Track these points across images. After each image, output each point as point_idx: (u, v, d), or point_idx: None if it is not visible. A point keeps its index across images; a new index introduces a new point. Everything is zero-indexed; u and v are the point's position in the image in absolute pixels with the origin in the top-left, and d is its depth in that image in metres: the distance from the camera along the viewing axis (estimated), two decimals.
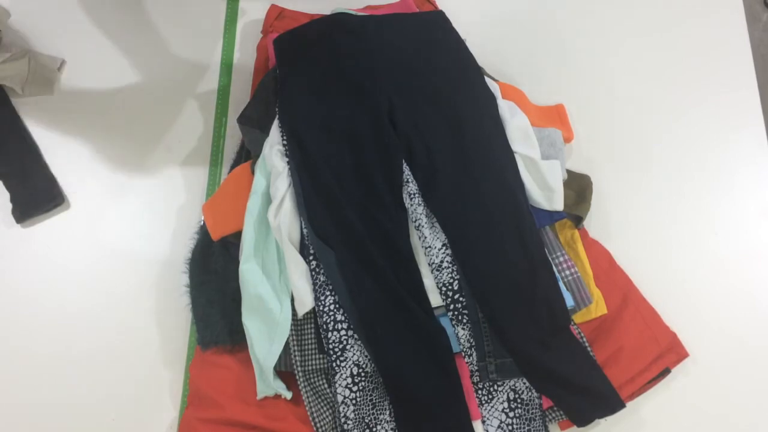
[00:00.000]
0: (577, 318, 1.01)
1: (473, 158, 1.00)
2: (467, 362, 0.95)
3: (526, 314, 0.95)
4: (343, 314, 0.95)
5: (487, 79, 1.12)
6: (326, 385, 0.96)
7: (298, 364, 0.95)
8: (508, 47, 1.28)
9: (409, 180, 1.01)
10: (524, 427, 0.94)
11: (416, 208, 1.01)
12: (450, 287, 0.96)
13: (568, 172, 1.12)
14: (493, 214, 0.98)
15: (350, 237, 0.97)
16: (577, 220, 1.08)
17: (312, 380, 0.96)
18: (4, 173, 1.18)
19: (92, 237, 1.15)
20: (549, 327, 0.95)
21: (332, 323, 0.95)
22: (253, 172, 1.06)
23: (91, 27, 1.31)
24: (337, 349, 0.94)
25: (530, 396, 0.95)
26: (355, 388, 0.93)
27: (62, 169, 1.19)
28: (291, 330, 0.96)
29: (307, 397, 0.94)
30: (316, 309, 0.96)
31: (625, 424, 0.99)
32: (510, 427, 0.94)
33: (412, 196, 1.01)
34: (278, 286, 0.98)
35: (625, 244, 1.10)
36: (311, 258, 0.98)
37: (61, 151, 1.20)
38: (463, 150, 1.01)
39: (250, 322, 0.97)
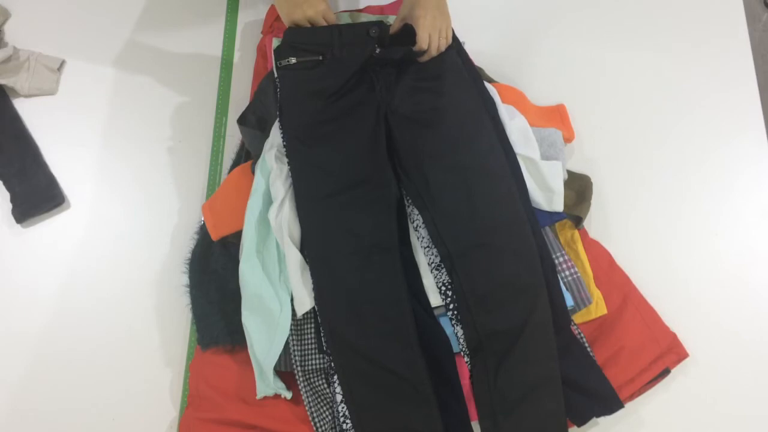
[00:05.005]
0: (577, 318, 1.01)
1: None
2: (467, 362, 0.95)
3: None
4: None
5: (486, 84, 1.12)
6: (326, 385, 0.96)
7: (298, 363, 0.96)
8: (508, 48, 1.28)
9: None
10: None
11: (415, 209, 1.01)
12: (449, 286, 0.96)
13: (569, 172, 1.12)
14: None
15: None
16: (577, 221, 1.08)
17: (311, 380, 0.96)
18: (4, 173, 1.18)
19: (92, 237, 1.15)
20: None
21: None
22: (253, 172, 1.06)
23: (91, 27, 1.31)
24: None
25: None
26: None
27: (62, 169, 1.19)
28: (291, 330, 0.96)
29: (307, 397, 0.95)
30: (316, 308, 0.96)
31: (624, 424, 0.99)
32: None
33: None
34: (278, 286, 0.98)
35: (625, 244, 1.10)
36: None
37: (61, 151, 1.21)
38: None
39: (249, 322, 0.97)
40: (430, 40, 1.01)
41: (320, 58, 1.03)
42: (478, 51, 1.22)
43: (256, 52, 1.26)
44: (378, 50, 1.03)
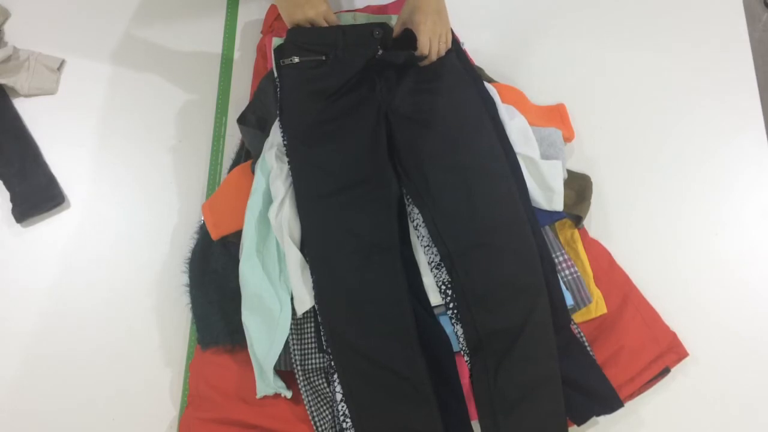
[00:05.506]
0: (577, 317, 1.01)
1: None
2: (467, 361, 0.95)
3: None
4: None
5: (486, 84, 1.12)
6: (325, 384, 0.96)
7: (298, 363, 0.95)
8: (508, 48, 1.28)
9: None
10: None
11: (415, 208, 1.01)
12: (449, 285, 0.96)
13: (568, 172, 1.12)
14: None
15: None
16: (577, 220, 1.08)
17: (311, 379, 0.96)
18: (4, 173, 1.18)
19: (92, 237, 1.15)
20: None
21: None
22: (253, 172, 1.06)
23: (91, 27, 1.31)
24: None
25: None
26: None
27: (62, 169, 1.19)
28: (291, 329, 0.96)
29: (307, 396, 0.95)
30: (316, 308, 0.96)
31: (624, 423, 0.99)
32: None
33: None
34: (278, 286, 0.98)
35: (625, 244, 1.10)
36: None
37: (61, 151, 1.21)
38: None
39: (249, 322, 0.97)
40: (430, 45, 1.02)
41: (324, 57, 1.03)
42: (478, 50, 1.22)
43: (256, 51, 1.26)
44: (381, 52, 1.03)
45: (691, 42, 1.28)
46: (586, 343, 0.98)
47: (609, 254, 1.08)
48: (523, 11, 1.33)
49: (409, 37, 1.03)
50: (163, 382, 1.05)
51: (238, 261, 1.01)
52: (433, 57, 1.03)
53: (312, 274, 0.96)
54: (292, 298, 0.97)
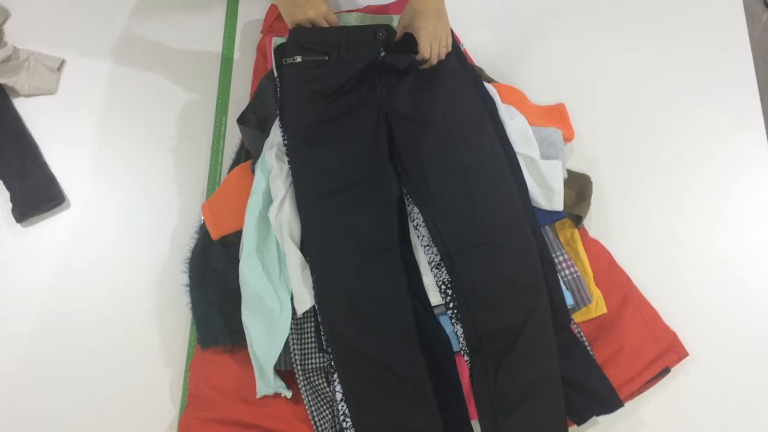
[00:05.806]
0: (577, 317, 1.01)
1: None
2: (467, 361, 0.95)
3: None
4: None
5: (486, 84, 1.12)
6: (325, 384, 0.96)
7: (298, 362, 0.96)
8: (508, 47, 1.28)
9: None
10: None
11: (415, 208, 1.01)
12: (449, 285, 0.96)
13: (568, 171, 1.12)
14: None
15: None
16: (577, 220, 1.08)
17: (311, 379, 0.96)
18: (4, 173, 1.18)
19: (92, 237, 1.15)
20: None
21: None
22: (253, 172, 1.06)
23: (91, 27, 1.31)
24: None
25: None
26: None
27: (62, 169, 1.19)
28: (291, 329, 0.96)
29: (307, 396, 0.95)
30: (316, 307, 0.96)
31: (624, 423, 0.99)
32: None
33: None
34: (278, 286, 0.98)
35: (625, 244, 1.10)
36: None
37: (61, 151, 1.21)
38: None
39: (249, 321, 0.98)
40: (431, 49, 1.02)
41: (327, 58, 1.03)
42: (478, 50, 1.22)
43: (256, 51, 1.26)
44: (383, 53, 1.03)
45: (691, 42, 1.28)
46: (586, 343, 0.98)
47: (609, 254, 1.08)
48: (523, 11, 1.33)
49: (409, 40, 1.03)
50: (163, 382, 1.05)
51: (238, 261, 1.01)
52: (434, 61, 1.03)
53: (312, 273, 0.96)
54: (292, 298, 0.97)
